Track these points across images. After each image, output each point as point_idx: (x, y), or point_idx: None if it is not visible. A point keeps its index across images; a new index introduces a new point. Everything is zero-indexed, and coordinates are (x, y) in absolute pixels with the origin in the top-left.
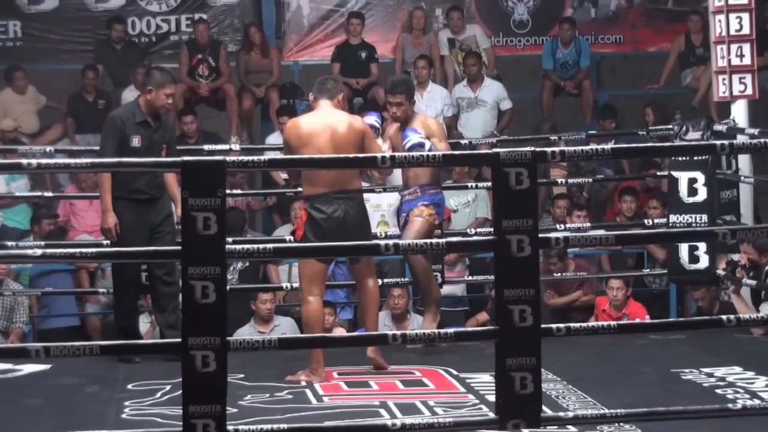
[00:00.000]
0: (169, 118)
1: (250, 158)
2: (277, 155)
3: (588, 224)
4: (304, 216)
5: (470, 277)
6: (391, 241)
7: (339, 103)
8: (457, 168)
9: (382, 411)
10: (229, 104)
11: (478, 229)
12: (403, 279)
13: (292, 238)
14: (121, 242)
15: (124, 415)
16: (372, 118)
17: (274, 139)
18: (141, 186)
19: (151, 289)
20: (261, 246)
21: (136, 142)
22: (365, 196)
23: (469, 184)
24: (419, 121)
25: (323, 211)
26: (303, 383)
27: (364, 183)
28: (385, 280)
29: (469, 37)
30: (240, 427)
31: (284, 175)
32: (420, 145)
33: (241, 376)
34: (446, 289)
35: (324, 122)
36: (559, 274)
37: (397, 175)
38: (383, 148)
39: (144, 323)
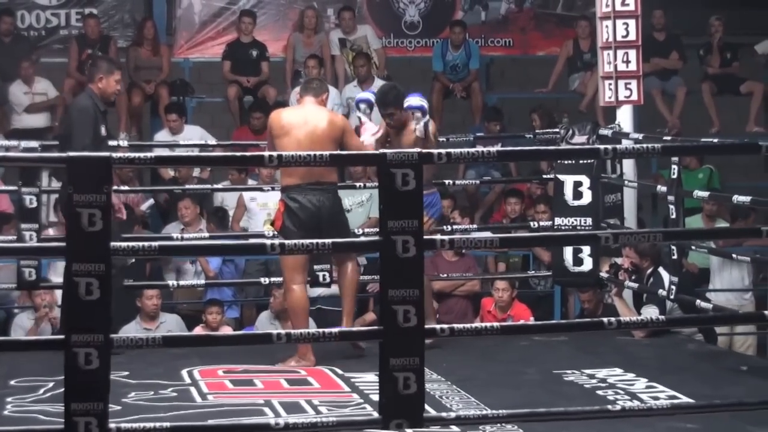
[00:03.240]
0: None
1: (137, 155)
2: (166, 152)
3: (474, 225)
4: (282, 207)
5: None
6: (277, 241)
7: (323, 102)
8: (358, 168)
9: (267, 410)
10: (117, 100)
11: (369, 230)
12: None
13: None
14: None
15: (5, 412)
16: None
17: (163, 136)
18: None
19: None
20: (146, 243)
21: (103, 131)
22: (252, 194)
23: (358, 184)
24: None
25: (298, 201)
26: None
27: (251, 181)
28: (272, 279)
29: (360, 38)
30: (122, 425)
31: (171, 172)
32: (422, 109)
33: (126, 373)
34: (333, 289)
35: (305, 116)
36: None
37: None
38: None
39: (29, 320)
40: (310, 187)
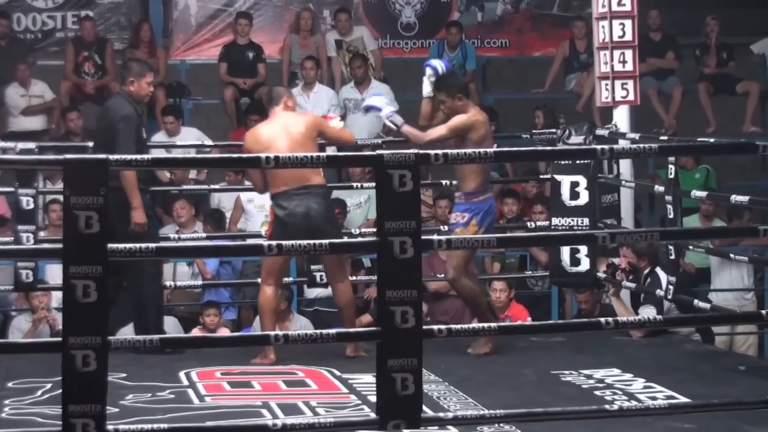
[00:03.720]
0: None
1: (134, 157)
2: (162, 154)
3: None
4: (272, 215)
5: (353, 278)
6: (274, 242)
7: (287, 105)
8: (357, 169)
9: (264, 411)
10: None
11: (366, 230)
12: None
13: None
14: (148, 235)
15: (3, 414)
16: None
17: (160, 137)
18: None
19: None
20: (143, 245)
21: (144, 133)
22: (249, 196)
23: (356, 185)
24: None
25: (285, 207)
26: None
27: (248, 183)
28: None
29: (356, 39)
30: (120, 427)
31: (168, 174)
32: (376, 109)
33: (124, 375)
34: (330, 290)
35: (279, 125)
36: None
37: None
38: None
39: (26, 321)
40: (296, 193)
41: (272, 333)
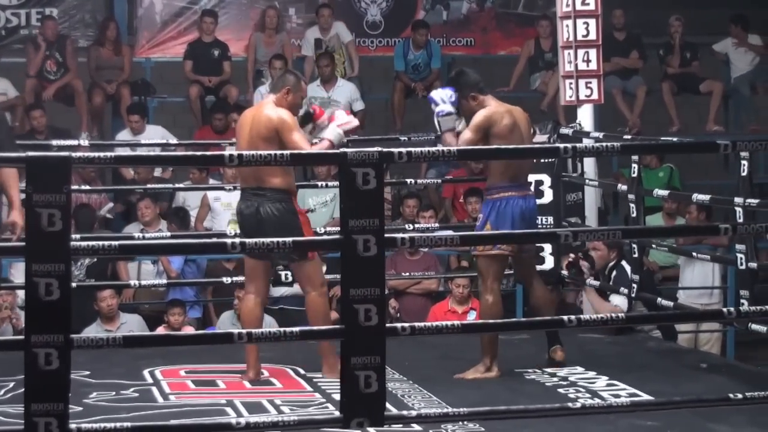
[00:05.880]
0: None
1: (97, 154)
2: (127, 152)
3: (436, 224)
4: None
5: None
6: (237, 240)
7: (283, 97)
8: (322, 168)
9: (229, 410)
10: (78, 100)
11: (331, 229)
12: None
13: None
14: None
15: None
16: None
17: (124, 135)
18: None
19: None
20: (106, 243)
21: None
22: (216, 194)
23: (320, 184)
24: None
25: (240, 207)
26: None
27: (213, 181)
28: (234, 279)
29: (332, 37)
30: (83, 426)
31: (133, 172)
32: (433, 102)
33: (87, 373)
34: (296, 288)
35: (249, 116)
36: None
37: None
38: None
39: None
40: (252, 192)
41: (236, 332)
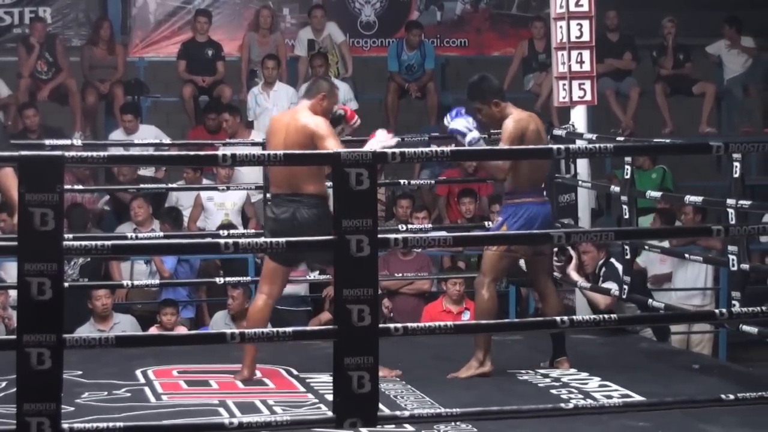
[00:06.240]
0: None
1: (90, 154)
2: (120, 152)
3: (429, 225)
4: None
5: (312, 276)
6: (231, 240)
7: (318, 103)
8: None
9: (221, 410)
10: (71, 99)
11: None
12: (244, 279)
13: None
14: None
15: None
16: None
17: (118, 135)
18: None
19: None
20: (99, 243)
21: None
22: (209, 194)
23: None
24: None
25: (273, 212)
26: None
27: (206, 181)
28: (226, 279)
29: (325, 38)
30: (75, 426)
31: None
32: (459, 133)
33: (80, 373)
34: (289, 289)
35: (283, 122)
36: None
37: (241, 174)
38: None
39: None
40: (287, 198)
41: (228, 332)
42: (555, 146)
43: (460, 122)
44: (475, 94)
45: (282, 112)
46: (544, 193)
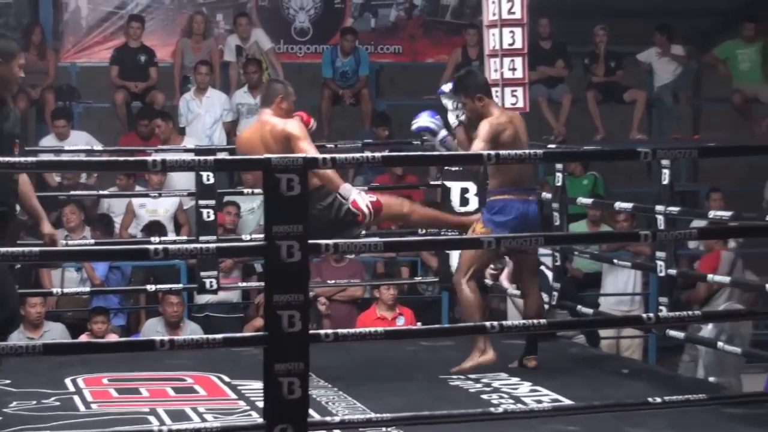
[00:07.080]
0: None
1: (18, 159)
2: (50, 158)
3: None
4: None
5: (244, 284)
6: (160, 246)
7: (278, 106)
8: (249, 174)
9: (152, 418)
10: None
11: (257, 236)
12: (176, 285)
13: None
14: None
15: None
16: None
17: (48, 141)
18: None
19: None
20: (27, 249)
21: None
22: (141, 201)
23: (246, 191)
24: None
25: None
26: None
27: (139, 188)
28: (158, 286)
29: (252, 45)
30: None
31: (57, 178)
32: (428, 130)
33: (8, 382)
34: (221, 296)
35: (254, 133)
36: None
37: (174, 180)
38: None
39: None
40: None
41: (158, 339)
42: (485, 152)
43: (427, 119)
44: (460, 88)
45: (245, 129)
46: (535, 192)
